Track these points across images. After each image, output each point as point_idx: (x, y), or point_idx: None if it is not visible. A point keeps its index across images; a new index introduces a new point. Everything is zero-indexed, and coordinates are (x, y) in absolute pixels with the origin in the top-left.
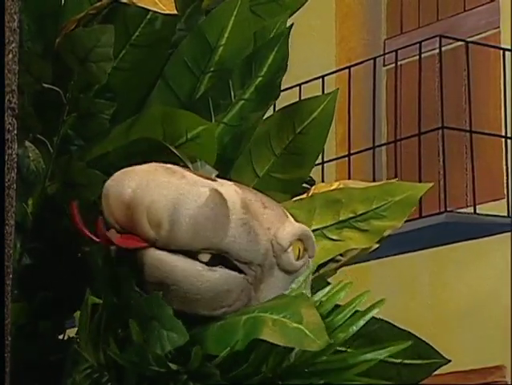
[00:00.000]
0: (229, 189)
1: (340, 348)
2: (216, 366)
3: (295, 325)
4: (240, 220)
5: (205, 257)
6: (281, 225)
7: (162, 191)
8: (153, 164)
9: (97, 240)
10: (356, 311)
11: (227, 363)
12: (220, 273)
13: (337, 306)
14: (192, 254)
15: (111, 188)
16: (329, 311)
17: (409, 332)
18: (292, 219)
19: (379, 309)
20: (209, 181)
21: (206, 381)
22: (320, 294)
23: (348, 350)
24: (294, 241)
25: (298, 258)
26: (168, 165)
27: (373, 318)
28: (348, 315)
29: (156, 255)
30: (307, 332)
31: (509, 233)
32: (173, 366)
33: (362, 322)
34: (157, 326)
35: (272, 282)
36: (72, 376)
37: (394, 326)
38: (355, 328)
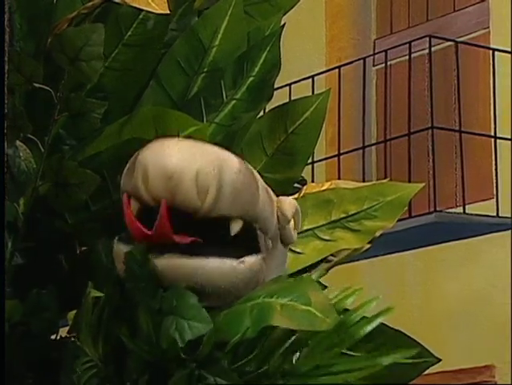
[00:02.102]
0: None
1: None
2: (224, 354)
3: (304, 307)
4: (264, 189)
5: (237, 226)
6: (278, 199)
7: (208, 157)
8: (179, 138)
9: (149, 233)
10: (364, 317)
11: (231, 356)
12: (248, 262)
13: (345, 310)
14: (225, 226)
15: (151, 160)
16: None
17: (400, 331)
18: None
19: (387, 316)
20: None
21: (214, 369)
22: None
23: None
24: (294, 213)
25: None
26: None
27: (365, 317)
28: (356, 320)
29: (185, 263)
30: (317, 313)
31: (498, 233)
32: (182, 355)
33: (369, 328)
34: (175, 319)
35: (276, 256)
36: (76, 371)
37: (385, 325)
38: (362, 333)
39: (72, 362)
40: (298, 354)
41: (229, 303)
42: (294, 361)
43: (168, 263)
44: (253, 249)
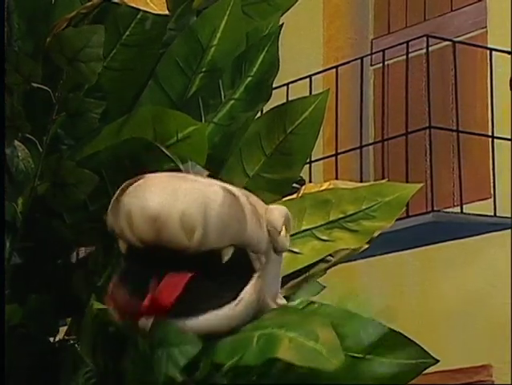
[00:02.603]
0: (226, 185)
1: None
2: (222, 376)
3: (312, 344)
4: (250, 212)
5: (229, 252)
6: (267, 210)
7: (190, 196)
8: (157, 175)
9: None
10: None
11: (232, 374)
12: (244, 300)
13: (346, 313)
14: (214, 255)
15: (134, 205)
16: (338, 318)
17: (398, 332)
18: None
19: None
20: (212, 180)
21: None
22: (329, 300)
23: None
24: (284, 222)
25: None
26: (173, 173)
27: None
28: (358, 322)
29: (189, 325)
30: (323, 352)
31: (496, 233)
32: (180, 378)
33: (371, 330)
34: (165, 350)
35: (270, 267)
36: (74, 380)
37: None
38: (364, 335)
39: (73, 370)
40: None
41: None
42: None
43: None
44: (248, 270)
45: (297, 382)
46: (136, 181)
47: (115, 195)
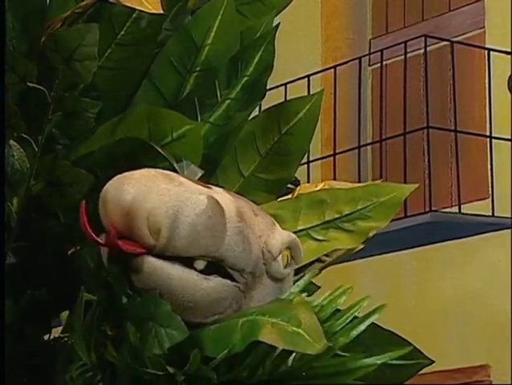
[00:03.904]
0: (223, 197)
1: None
2: (212, 368)
3: (294, 328)
4: (236, 229)
5: (201, 265)
6: (270, 233)
7: (163, 198)
8: (151, 170)
9: (102, 242)
10: (355, 317)
11: (223, 366)
12: (214, 282)
13: (337, 311)
14: (187, 262)
15: (110, 194)
16: (329, 316)
17: (392, 332)
18: (279, 227)
19: (380, 314)
20: (206, 189)
21: (203, 383)
22: (320, 299)
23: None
24: (284, 249)
25: (285, 266)
26: (165, 171)
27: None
28: (349, 320)
29: (152, 262)
30: (306, 336)
31: (493, 233)
32: (171, 369)
33: (362, 327)
34: (154, 325)
35: (261, 289)
36: (68, 373)
37: (377, 325)
38: (355, 333)
39: (66, 365)
40: (293, 355)
41: (209, 321)
42: (289, 363)
43: (148, 263)
44: (227, 277)
45: (289, 378)
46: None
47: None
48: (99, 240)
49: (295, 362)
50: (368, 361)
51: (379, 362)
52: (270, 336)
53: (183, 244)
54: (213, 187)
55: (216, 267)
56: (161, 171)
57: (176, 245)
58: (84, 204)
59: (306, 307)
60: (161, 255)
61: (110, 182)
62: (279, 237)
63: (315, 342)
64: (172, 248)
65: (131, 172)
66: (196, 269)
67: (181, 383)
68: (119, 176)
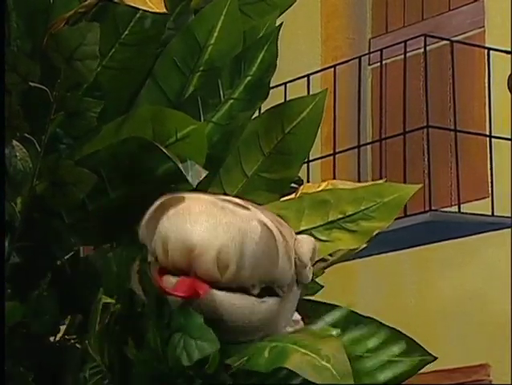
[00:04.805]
0: (265, 217)
1: None
2: (230, 375)
3: (324, 363)
4: (284, 249)
5: (257, 290)
6: (295, 242)
7: (229, 235)
8: (201, 200)
9: (182, 295)
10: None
11: (242, 377)
12: (268, 304)
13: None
14: (244, 288)
15: (173, 234)
16: (360, 355)
17: (396, 329)
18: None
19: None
20: (249, 212)
21: None
22: (351, 334)
23: None
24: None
25: None
26: (211, 198)
27: (360, 315)
28: (377, 365)
29: (218, 296)
30: (334, 372)
31: (493, 232)
32: (190, 371)
33: (390, 374)
34: (183, 336)
35: (290, 297)
36: (83, 372)
37: (381, 323)
38: (382, 378)
39: (79, 365)
40: None
41: (255, 338)
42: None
43: (213, 296)
44: (275, 294)
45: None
46: (176, 202)
47: (153, 209)
48: (178, 293)
49: None
50: (377, 365)
51: (382, 361)
52: (299, 365)
53: (246, 275)
54: (249, 206)
55: (267, 288)
56: (209, 199)
57: (241, 276)
58: (159, 277)
59: (338, 344)
60: (224, 287)
61: (167, 219)
62: (306, 244)
63: (342, 380)
64: (238, 280)
65: (184, 208)
66: (253, 294)
67: None
68: (175, 211)
